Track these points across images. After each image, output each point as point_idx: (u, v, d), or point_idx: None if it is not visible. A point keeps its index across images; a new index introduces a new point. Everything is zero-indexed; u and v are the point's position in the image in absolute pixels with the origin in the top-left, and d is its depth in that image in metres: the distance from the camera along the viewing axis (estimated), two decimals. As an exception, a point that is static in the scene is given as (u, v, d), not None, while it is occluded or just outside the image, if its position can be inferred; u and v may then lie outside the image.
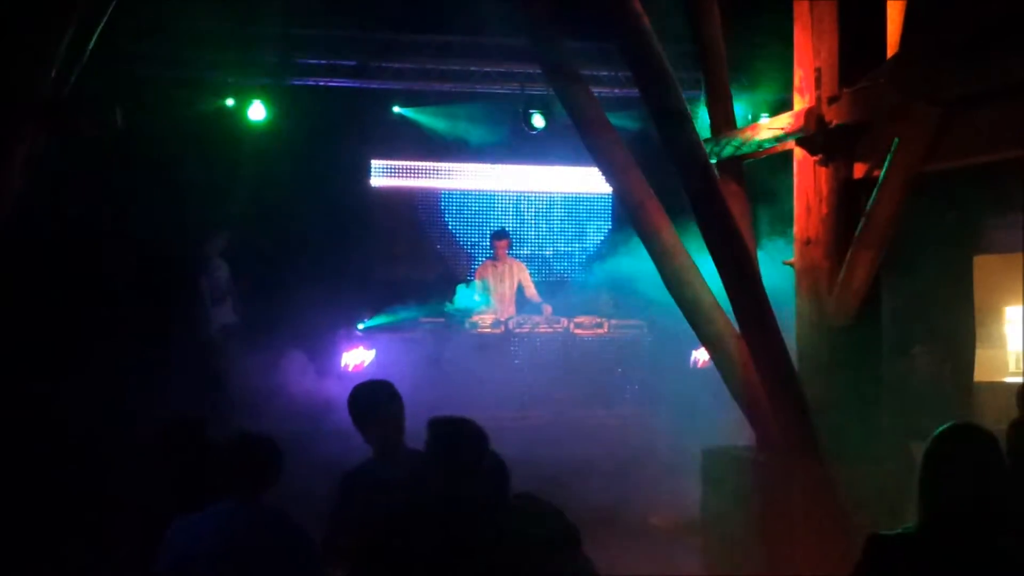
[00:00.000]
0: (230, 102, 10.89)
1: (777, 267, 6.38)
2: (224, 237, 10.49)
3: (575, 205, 13.09)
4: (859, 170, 5.84)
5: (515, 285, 11.08)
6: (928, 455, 2.80)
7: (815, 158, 5.90)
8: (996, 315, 9.59)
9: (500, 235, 11.28)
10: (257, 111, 10.89)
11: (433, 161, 12.52)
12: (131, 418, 7.20)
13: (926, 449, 2.82)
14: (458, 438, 3.48)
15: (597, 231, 13.08)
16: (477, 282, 11.04)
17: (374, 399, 4.36)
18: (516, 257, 11.44)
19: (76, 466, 6.56)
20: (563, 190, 13.01)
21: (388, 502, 3.50)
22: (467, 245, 12.75)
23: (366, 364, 9.93)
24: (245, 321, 10.50)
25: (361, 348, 10.06)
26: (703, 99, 6.81)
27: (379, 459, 4.30)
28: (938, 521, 2.74)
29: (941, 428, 2.83)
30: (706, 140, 6.27)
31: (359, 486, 4.19)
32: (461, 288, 10.78)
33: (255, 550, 3.63)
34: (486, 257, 11.52)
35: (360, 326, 10.41)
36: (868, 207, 5.60)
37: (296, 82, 10.96)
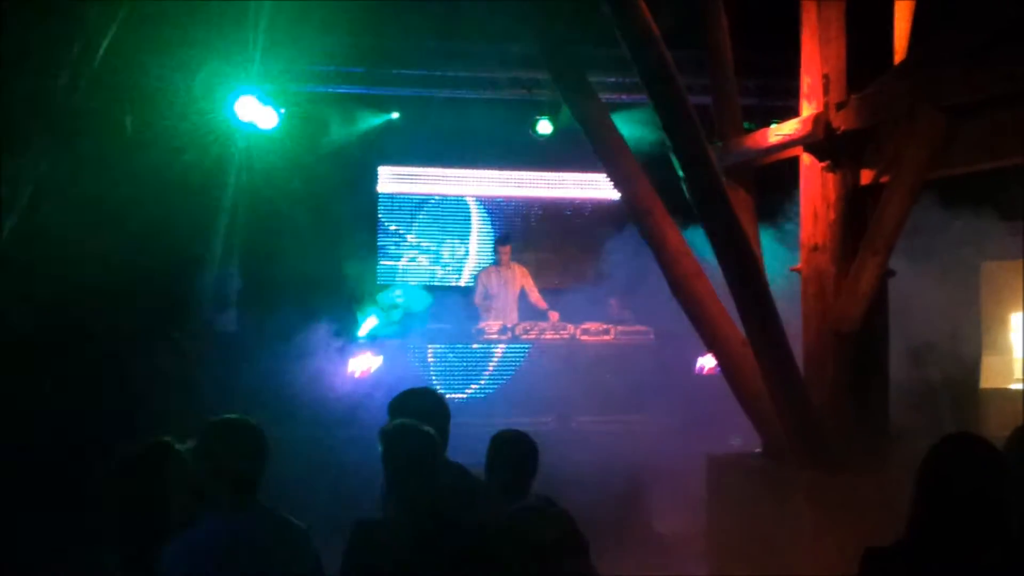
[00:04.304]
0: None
1: (783, 273, 6.37)
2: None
3: (582, 211, 13.08)
4: (866, 176, 5.83)
5: (517, 290, 11.04)
6: (923, 467, 2.73)
7: (822, 164, 5.89)
8: (1002, 322, 9.58)
9: (503, 240, 11.26)
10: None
11: (440, 167, 12.53)
12: (127, 424, 7.17)
13: (922, 460, 2.74)
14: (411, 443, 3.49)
15: (604, 237, 13.04)
16: (478, 288, 11.03)
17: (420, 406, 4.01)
18: (521, 263, 11.42)
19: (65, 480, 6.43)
20: (570, 196, 13.00)
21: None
22: (473, 251, 12.74)
23: (373, 370, 9.92)
24: (247, 330, 10.47)
25: (368, 354, 10.04)
26: (711, 104, 6.81)
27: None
28: (928, 534, 2.68)
29: (939, 439, 2.75)
30: (713, 146, 6.27)
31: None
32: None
33: (260, 563, 3.30)
34: (490, 263, 11.50)
35: (362, 333, 10.40)
36: (875, 213, 5.59)
37: (304, 88, 10.96)
